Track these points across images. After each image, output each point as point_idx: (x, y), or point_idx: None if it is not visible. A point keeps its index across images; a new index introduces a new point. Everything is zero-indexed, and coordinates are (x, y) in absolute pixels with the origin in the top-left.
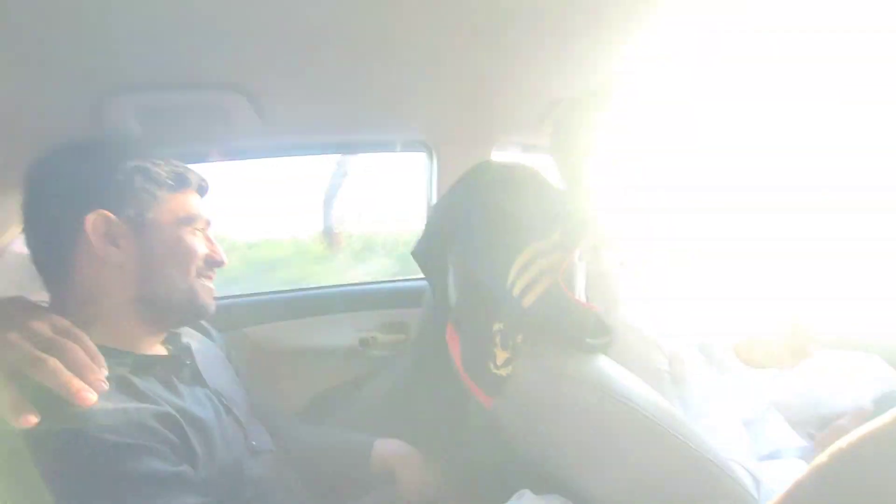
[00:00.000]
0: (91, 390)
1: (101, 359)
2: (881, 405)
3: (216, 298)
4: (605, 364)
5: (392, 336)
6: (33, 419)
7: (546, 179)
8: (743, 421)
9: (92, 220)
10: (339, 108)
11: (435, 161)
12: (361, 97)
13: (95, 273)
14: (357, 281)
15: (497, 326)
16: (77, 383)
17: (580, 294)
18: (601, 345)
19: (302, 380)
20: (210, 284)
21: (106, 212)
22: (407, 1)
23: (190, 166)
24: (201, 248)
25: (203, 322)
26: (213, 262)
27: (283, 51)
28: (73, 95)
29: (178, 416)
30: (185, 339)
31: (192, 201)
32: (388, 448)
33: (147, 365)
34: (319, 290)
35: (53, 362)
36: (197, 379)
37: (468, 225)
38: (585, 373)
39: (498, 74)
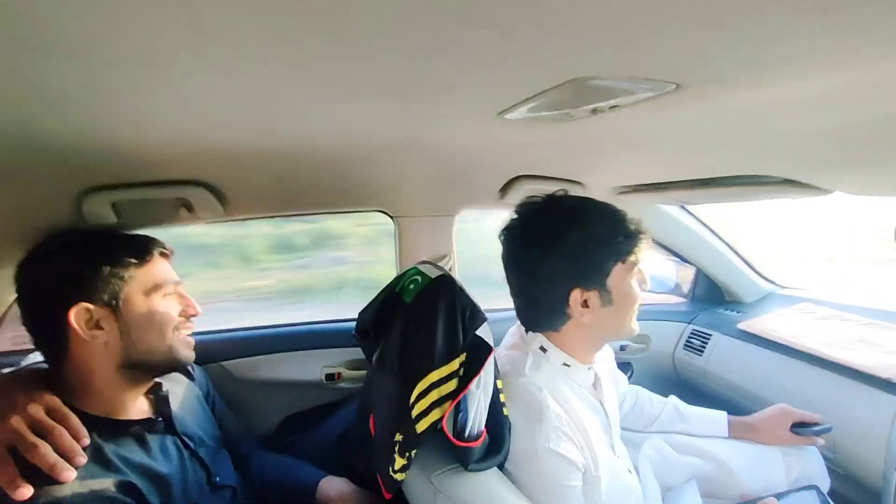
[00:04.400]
0: (71, 469)
1: (85, 433)
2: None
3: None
4: (485, 483)
5: (357, 372)
6: (27, 493)
7: (462, 304)
8: (663, 487)
9: (74, 312)
10: (303, 195)
11: (397, 229)
12: (325, 186)
13: (84, 352)
14: (327, 319)
15: (398, 437)
16: (61, 464)
17: (478, 417)
18: (487, 466)
19: (276, 406)
20: (187, 337)
21: (85, 304)
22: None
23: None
24: (174, 308)
25: None
26: (188, 316)
27: (243, 150)
28: (56, 192)
29: (137, 481)
30: (165, 388)
31: (157, 270)
32: (330, 486)
33: (121, 430)
34: (291, 328)
35: (44, 447)
36: (169, 428)
37: (392, 335)
38: (459, 493)
39: (458, 154)
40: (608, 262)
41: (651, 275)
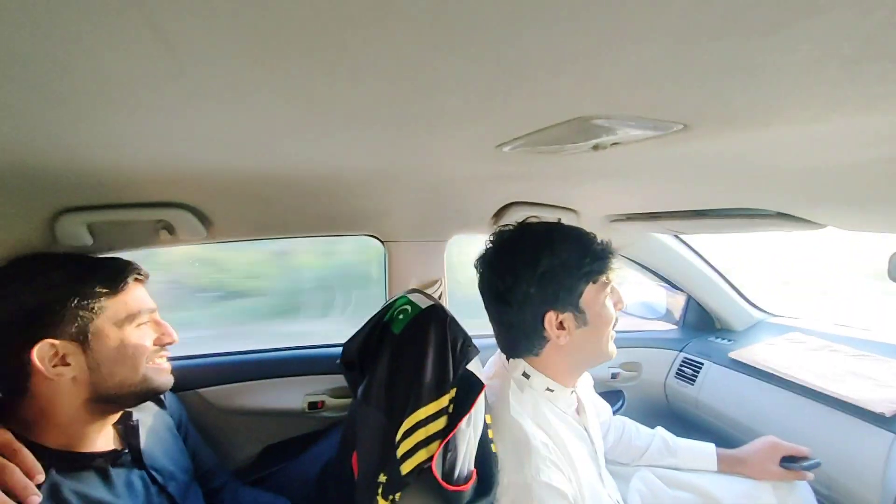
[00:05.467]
0: None
1: (39, 469)
2: None
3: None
4: None
5: (341, 400)
6: None
7: (453, 335)
8: None
9: (37, 350)
10: (291, 220)
11: (388, 254)
12: (314, 211)
13: (49, 390)
14: (309, 344)
15: (382, 478)
16: None
17: (467, 457)
18: None
19: (255, 436)
20: (163, 363)
21: (49, 340)
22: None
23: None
24: (148, 339)
25: None
26: (163, 345)
27: (228, 175)
28: (27, 213)
29: None
30: (135, 417)
31: (131, 298)
32: None
33: (83, 464)
34: (273, 354)
35: None
36: (136, 461)
37: (378, 367)
38: None
39: (452, 182)
40: (579, 284)
41: (642, 301)
